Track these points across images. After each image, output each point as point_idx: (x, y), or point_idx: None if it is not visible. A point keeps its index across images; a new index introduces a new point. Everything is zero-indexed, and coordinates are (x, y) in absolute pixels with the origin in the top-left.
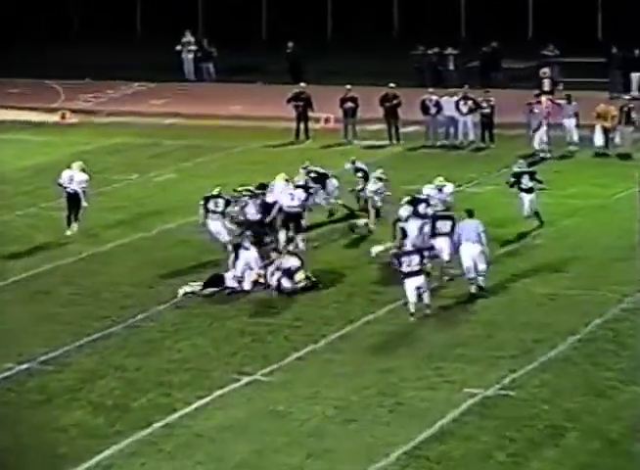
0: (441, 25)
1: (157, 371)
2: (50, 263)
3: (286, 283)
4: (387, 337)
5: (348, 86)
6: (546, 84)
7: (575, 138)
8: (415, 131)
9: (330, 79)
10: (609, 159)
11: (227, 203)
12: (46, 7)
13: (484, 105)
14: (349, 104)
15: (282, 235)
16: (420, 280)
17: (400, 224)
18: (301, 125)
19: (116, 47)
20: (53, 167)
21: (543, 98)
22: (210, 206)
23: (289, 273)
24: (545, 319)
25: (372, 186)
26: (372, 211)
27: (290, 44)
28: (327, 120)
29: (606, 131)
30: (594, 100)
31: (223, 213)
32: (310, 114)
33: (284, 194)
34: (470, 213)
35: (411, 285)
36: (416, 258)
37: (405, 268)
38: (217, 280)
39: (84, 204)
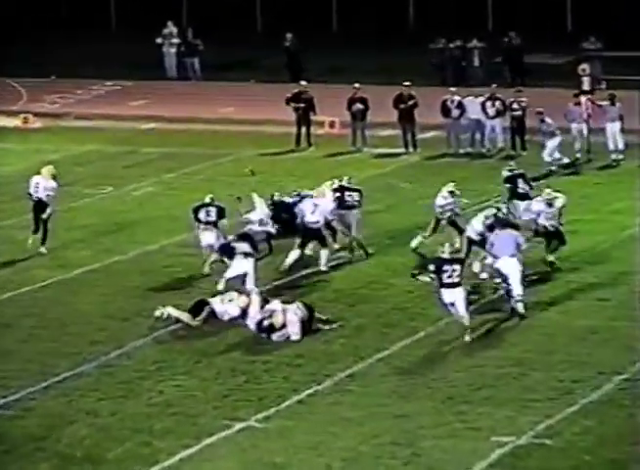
0: (465, 15)
1: (135, 417)
2: (10, 292)
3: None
4: (401, 376)
5: (357, 85)
6: (586, 83)
7: (620, 145)
8: (434, 137)
9: (335, 77)
10: None
11: (220, 211)
12: None
13: (515, 106)
14: (358, 105)
15: (293, 255)
16: (458, 292)
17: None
18: (302, 130)
19: (87, 39)
20: (13, 180)
21: (582, 98)
22: (201, 216)
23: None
24: (586, 356)
25: (440, 201)
26: (431, 228)
27: (288, 36)
28: (332, 125)
29: None
30: None
31: (216, 224)
32: (313, 117)
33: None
34: (505, 223)
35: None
36: (458, 269)
37: (446, 279)
38: (202, 305)
39: (48, 211)
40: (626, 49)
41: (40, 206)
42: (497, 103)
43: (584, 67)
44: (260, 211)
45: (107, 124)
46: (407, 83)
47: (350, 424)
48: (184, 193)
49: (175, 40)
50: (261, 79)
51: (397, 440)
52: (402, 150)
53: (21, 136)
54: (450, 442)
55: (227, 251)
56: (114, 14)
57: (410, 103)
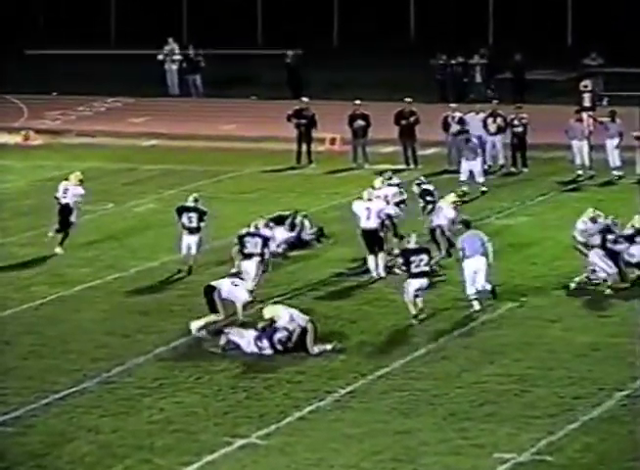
0: (466, 31)
1: (135, 434)
2: (10, 309)
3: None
4: (403, 393)
5: (358, 101)
6: (587, 99)
7: (617, 162)
8: (435, 154)
9: (336, 93)
10: None
11: (201, 216)
12: (5, 8)
13: (516, 123)
14: (359, 122)
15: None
16: (424, 282)
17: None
18: (303, 147)
19: (88, 56)
20: (14, 197)
21: (584, 115)
22: (184, 220)
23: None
24: (587, 372)
25: (582, 225)
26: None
27: (289, 52)
28: (333, 141)
29: None
30: None
31: (198, 229)
32: (314, 133)
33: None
34: (468, 225)
35: (414, 286)
36: (425, 259)
37: (414, 268)
38: (210, 290)
39: (73, 219)
40: (628, 65)
41: (66, 210)
42: (498, 119)
43: (586, 83)
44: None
45: (108, 141)
46: (408, 99)
47: (352, 441)
48: None
49: (177, 57)
50: (263, 96)
51: (399, 456)
52: (403, 166)
53: (21, 153)
54: (452, 458)
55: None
56: (114, 30)
57: (411, 119)
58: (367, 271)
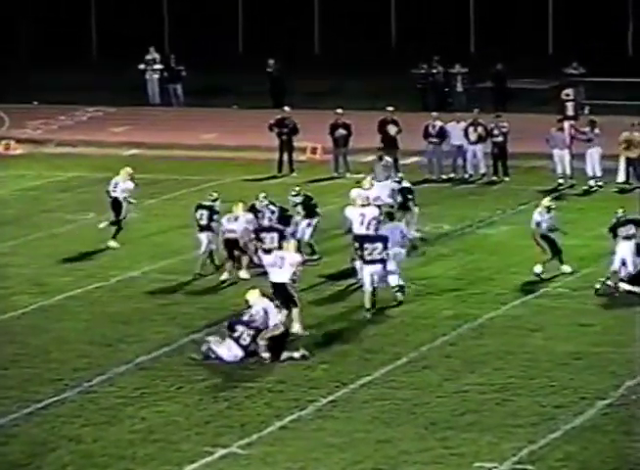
0: (447, 40)
1: (117, 443)
2: None
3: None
4: (384, 402)
5: (339, 110)
6: (569, 108)
7: (598, 172)
8: (416, 162)
9: (317, 102)
10: (634, 194)
11: (211, 215)
12: None
13: (496, 132)
14: (341, 131)
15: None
16: (378, 268)
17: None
18: (285, 156)
19: (69, 65)
20: None
21: (566, 124)
22: (197, 216)
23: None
24: (569, 381)
25: (537, 217)
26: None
27: (270, 61)
28: (314, 151)
29: (630, 162)
30: (626, 126)
31: (208, 227)
32: (295, 143)
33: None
34: (391, 217)
35: (367, 271)
36: (379, 247)
37: (367, 256)
38: None
39: (123, 213)
40: (609, 74)
41: (116, 204)
42: (479, 128)
43: (568, 92)
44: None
45: (89, 151)
46: (391, 108)
47: (333, 450)
48: (166, 219)
49: (158, 66)
50: (244, 105)
51: (380, 466)
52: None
53: (2, 163)
54: (433, 467)
55: None
56: (95, 40)
57: (393, 129)
58: (348, 278)
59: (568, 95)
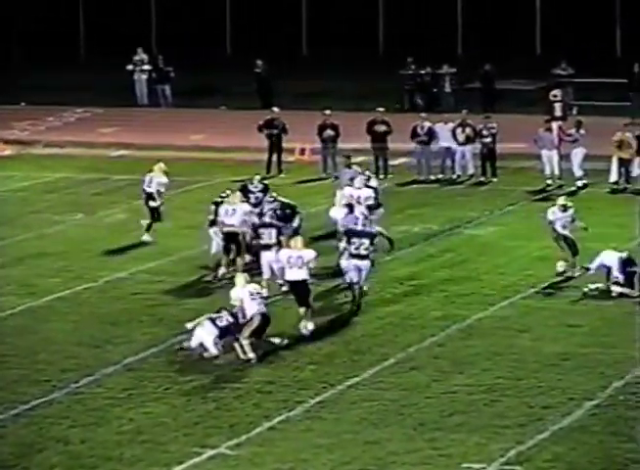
0: (435, 40)
1: (105, 444)
2: None
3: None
4: (372, 403)
5: (327, 111)
6: (558, 109)
7: (579, 172)
8: (405, 163)
9: (305, 103)
10: (627, 194)
11: (216, 209)
12: None
13: (485, 133)
14: (329, 132)
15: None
16: (364, 263)
17: None
18: (274, 157)
19: (57, 67)
20: None
21: (554, 125)
22: (211, 210)
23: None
24: (556, 382)
25: (550, 216)
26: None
27: (259, 62)
28: (302, 152)
29: (623, 163)
30: (614, 126)
31: (214, 222)
32: (284, 142)
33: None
34: (351, 208)
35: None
36: (365, 243)
37: (353, 250)
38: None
39: (153, 204)
40: (597, 75)
41: (150, 198)
42: (467, 129)
43: (556, 92)
44: None
45: (77, 152)
46: (380, 109)
47: (321, 451)
48: None
49: (146, 67)
50: (232, 106)
51: (368, 466)
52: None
53: None
54: (421, 468)
55: None
56: (83, 40)
57: (383, 129)
58: (335, 277)
59: (556, 96)
